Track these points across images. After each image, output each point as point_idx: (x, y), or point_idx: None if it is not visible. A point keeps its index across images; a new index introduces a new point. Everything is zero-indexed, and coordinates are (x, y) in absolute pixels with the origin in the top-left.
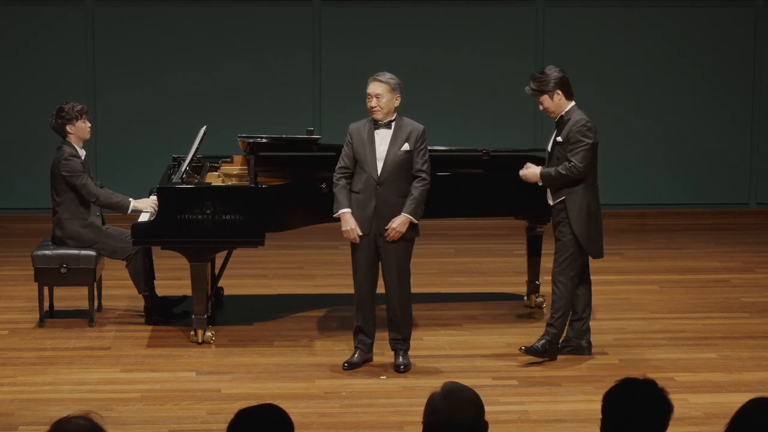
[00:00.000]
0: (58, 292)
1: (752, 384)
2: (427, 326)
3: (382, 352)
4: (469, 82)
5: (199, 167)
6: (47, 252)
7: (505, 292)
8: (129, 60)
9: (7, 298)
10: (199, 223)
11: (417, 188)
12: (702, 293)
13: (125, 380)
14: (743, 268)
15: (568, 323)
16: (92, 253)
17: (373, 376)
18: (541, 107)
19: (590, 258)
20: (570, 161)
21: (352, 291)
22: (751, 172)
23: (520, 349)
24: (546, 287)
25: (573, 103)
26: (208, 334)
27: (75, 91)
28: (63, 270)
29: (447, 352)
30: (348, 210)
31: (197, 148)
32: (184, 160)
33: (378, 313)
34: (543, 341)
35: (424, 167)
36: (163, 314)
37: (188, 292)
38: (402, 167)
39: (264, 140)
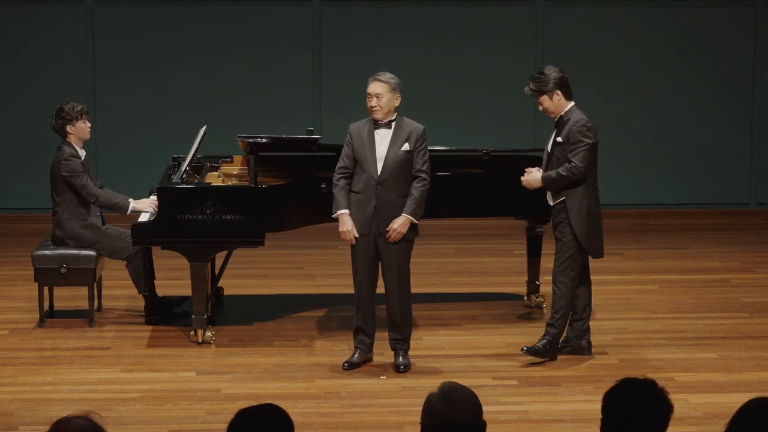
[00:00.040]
0: (58, 292)
1: (752, 384)
2: (427, 326)
3: (382, 352)
4: (469, 82)
5: (199, 167)
6: (47, 252)
7: (505, 292)
8: (129, 60)
9: (7, 298)
10: (199, 223)
11: (417, 189)
12: (702, 293)
13: (125, 380)
14: (743, 268)
15: (568, 323)
16: (92, 253)
17: (373, 376)
18: (540, 108)
19: (590, 258)
20: (571, 162)
21: (352, 291)
22: (751, 172)
23: (522, 349)
24: (546, 287)
25: (572, 103)
26: (208, 334)
27: (75, 91)
28: (63, 270)
29: (447, 352)
30: (346, 211)
31: (197, 148)
32: (184, 160)
33: (378, 313)
34: (544, 341)
35: (424, 167)
36: (163, 314)
37: (188, 292)
38: (402, 167)
39: (264, 140)
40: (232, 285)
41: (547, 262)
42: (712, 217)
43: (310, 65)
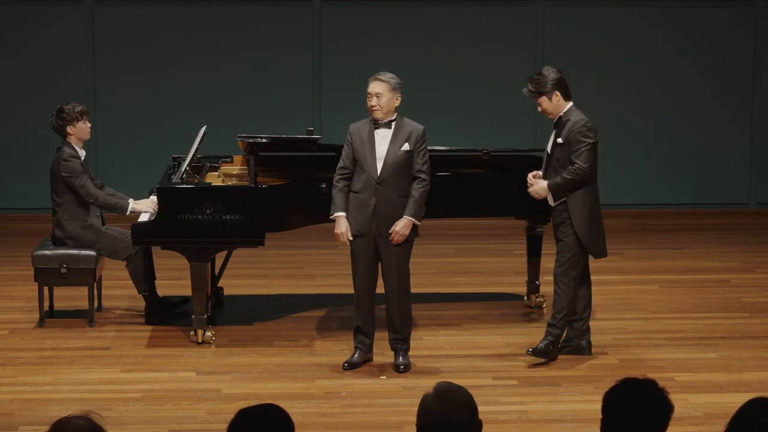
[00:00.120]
0: (58, 292)
1: (752, 384)
2: (427, 326)
3: (382, 352)
4: (469, 82)
5: (199, 167)
6: (47, 252)
7: (505, 292)
8: (129, 60)
9: (7, 298)
10: (199, 223)
11: (417, 190)
12: (702, 293)
13: (125, 380)
14: (743, 268)
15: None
16: (92, 253)
17: (373, 376)
18: (539, 109)
19: (592, 258)
20: (574, 163)
21: (352, 291)
22: (751, 172)
23: (527, 351)
24: (546, 287)
25: (571, 103)
26: (208, 334)
27: (75, 91)
28: (63, 270)
29: (447, 352)
30: (342, 214)
31: (197, 148)
32: (184, 160)
33: (378, 314)
34: (546, 342)
35: (424, 168)
36: (163, 314)
37: (188, 292)
38: (402, 167)
39: (264, 140)
40: (232, 285)
41: (547, 262)
42: (712, 217)
43: (310, 65)
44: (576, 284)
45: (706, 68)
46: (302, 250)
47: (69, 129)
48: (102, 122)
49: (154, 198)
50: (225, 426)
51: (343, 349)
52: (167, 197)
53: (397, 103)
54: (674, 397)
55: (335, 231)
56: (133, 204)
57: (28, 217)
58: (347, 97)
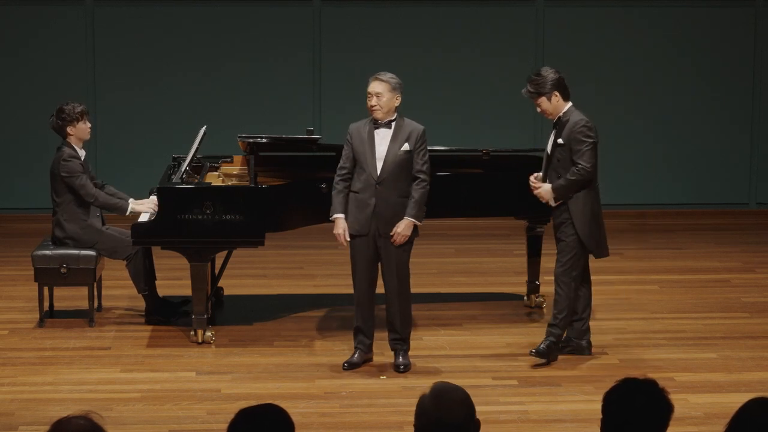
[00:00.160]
0: (58, 292)
1: (752, 384)
2: (427, 326)
3: (382, 352)
4: (469, 82)
5: (199, 167)
6: (47, 252)
7: (505, 292)
8: (129, 60)
9: (7, 298)
10: (199, 223)
11: (417, 190)
12: (702, 293)
13: (125, 380)
14: (743, 268)
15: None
16: (92, 253)
17: (373, 376)
18: (538, 109)
19: (593, 258)
20: (577, 164)
21: (352, 291)
22: (751, 172)
23: (530, 352)
24: (546, 287)
25: (570, 103)
26: (208, 334)
27: (75, 91)
28: (63, 270)
29: (447, 352)
30: (341, 216)
31: (197, 148)
32: (184, 160)
33: (378, 313)
34: (547, 342)
35: (424, 168)
36: (163, 314)
37: (188, 292)
38: (402, 167)
39: (264, 140)
40: (232, 285)
41: (546, 262)
42: (712, 217)
43: (310, 65)
44: (577, 284)
45: (706, 68)
46: (302, 250)
47: (69, 129)
48: (102, 122)
49: (154, 198)
50: (225, 426)
51: (343, 349)
52: (167, 197)
53: (397, 103)
54: (674, 397)
55: (334, 232)
56: (132, 205)
57: (28, 217)
58: (347, 97)
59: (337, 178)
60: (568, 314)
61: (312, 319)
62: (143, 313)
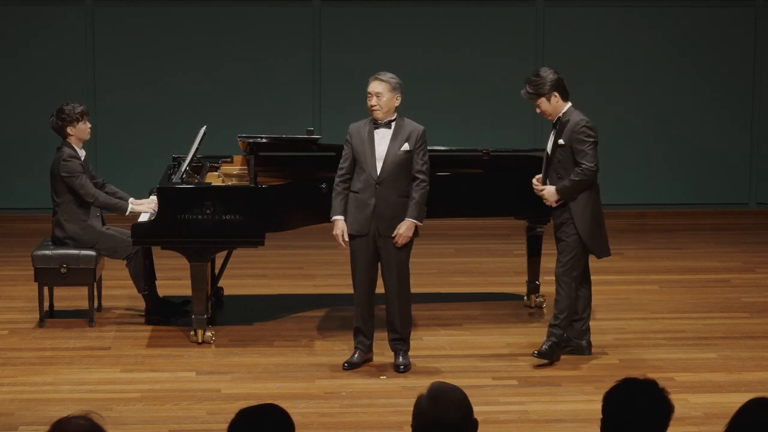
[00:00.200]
0: (58, 292)
1: (752, 384)
2: (427, 326)
3: (382, 352)
4: (469, 82)
5: (199, 167)
6: (47, 252)
7: (505, 292)
8: (129, 60)
9: (7, 298)
10: (199, 223)
11: (417, 191)
12: (702, 293)
13: (125, 380)
14: (743, 268)
15: None
16: (92, 253)
17: (373, 376)
18: (538, 110)
19: (595, 258)
20: (581, 164)
21: (352, 291)
22: (751, 172)
23: (533, 354)
24: (546, 287)
25: (570, 104)
26: (208, 334)
27: (75, 91)
28: (63, 270)
29: (447, 352)
30: (340, 217)
31: (197, 148)
32: (184, 160)
33: (378, 314)
34: (549, 343)
35: (424, 168)
36: (163, 314)
37: (188, 292)
38: (402, 167)
39: (264, 140)
40: (232, 285)
41: (546, 262)
42: (712, 217)
43: (310, 65)
44: (577, 284)
45: (706, 68)
46: (302, 250)
47: (69, 129)
48: (102, 122)
49: (154, 198)
50: (225, 426)
51: (343, 349)
52: (167, 197)
53: (397, 103)
54: (674, 397)
55: (333, 233)
56: (132, 205)
57: (28, 217)
58: (347, 97)
59: (337, 179)
60: (568, 314)
61: (312, 319)
62: (143, 313)
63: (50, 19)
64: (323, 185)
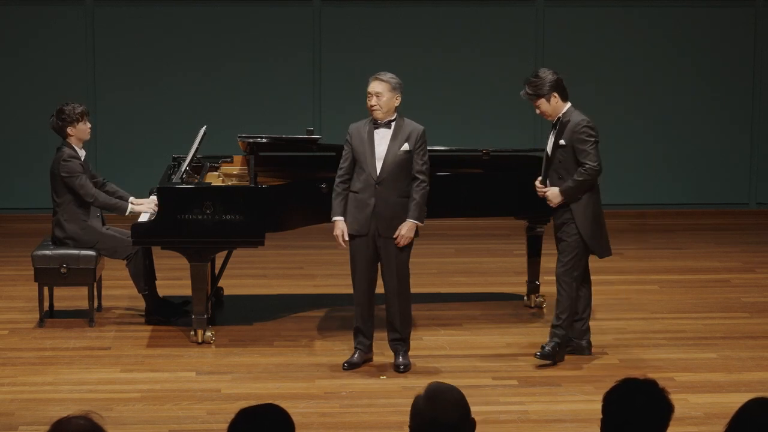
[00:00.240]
0: (58, 292)
1: (752, 384)
2: (427, 326)
3: (382, 352)
4: (469, 82)
5: (199, 167)
6: (47, 252)
7: (505, 292)
8: (129, 60)
9: (7, 298)
10: (199, 223)
11: (418, 192)
12: (702, 293)
13: (125, 380)
14: (743, 268)
15: None
16: (92, 253)
17: (373, 376)
18: (537, 111)
19: (597, 257)
20: (584, 164)
21: (352, 291)
22: (751, 172)
23: (536, 355)
24: (546, 287)
25: (569, 104)
26: (208, 334)
27: (75, 91)
28: (63, 270)
29: (447, 352)
30: (340, 218)
31: (197, 148)
32: (184, 160)
33: (378, 314)
34: (552, 344)
35: (424, 168)
36: (163, 314)
37: (188, 292)
38: (401, 167)
39: (264, 140)
40: (232, 285)
41: (546, 262)
42: (712, 217)
43: (310, 65)
44: (578, 284)
45: (706, 68)
46: (302, 250)
47: (69, 130)
48: (102, 122)
49: (153, 198)
50: (225, 426)
51: (343, 349)
52: (167, 197)
53: (396, 103)
54: (674, 397)
55: (333, 233)
56: (132, 205)
57: (28, 217)
58: (347, 97)
59: (337, 180)
60: (570, 314)
61: (312, 319)
62: (143, 313)
63: (50, 19)
64: (323, 185)
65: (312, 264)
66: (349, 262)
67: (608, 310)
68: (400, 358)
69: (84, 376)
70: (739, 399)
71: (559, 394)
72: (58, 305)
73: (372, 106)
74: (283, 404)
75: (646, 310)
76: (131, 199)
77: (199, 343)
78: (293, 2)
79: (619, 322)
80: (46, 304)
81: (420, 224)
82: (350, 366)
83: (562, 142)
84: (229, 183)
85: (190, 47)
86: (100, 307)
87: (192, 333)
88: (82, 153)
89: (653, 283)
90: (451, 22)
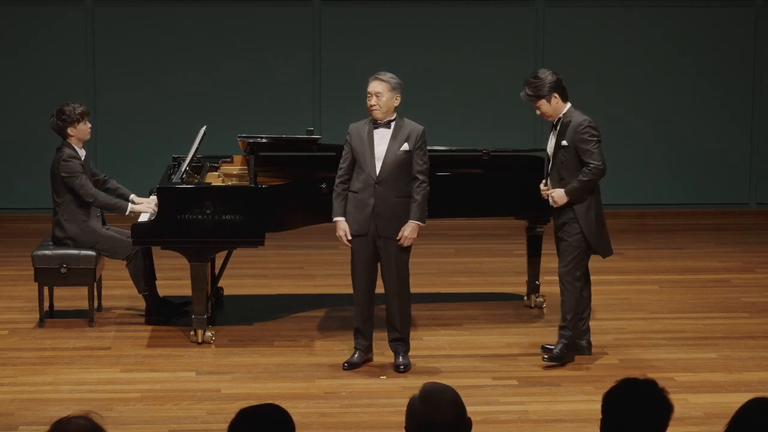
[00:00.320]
0: (58, 292)
1: (752, 384)
2: (427, 326)
3: (382, 353)
4: (469, 82)
5: (199, 167)
6: (47, 252)
7: (505, 292)
8: (129, 60)
9: (7, 298)
10: (199, 223)
11: (419, 192)
12: (702, 293)
13: (125, 380)
14: (743, 268)
15: None
16: (92, 253)
17: (373, 376)
18: (538, 112)
19: (601, 257)
20: (588, 164)
21: (351, 291)
22: (751, 172)
23: (544, 358)
24: (546, 287)
25: (569, 104)
26: (208, 334)
27: (75, 91)
28: (63, 270)
29: (447, 352)
30: (341, 218)
31: (197, 148)
32: (184, 160)
33: (378, 314)
34: (560, 345)
35: (424, 168)
36: (163, 314)
37: (188, 292)
38: (401, 167)
39: (264, 140)
40: (232, 285)
41: (546, 262)
42: (712, 217)
43: (310, 65)
44: (581, 284)
45: (706, 68)
46: (302, 250)
47: (70, 130)
48: (102, 122)
49: (154, 198)
50: (225, 426)
51: (343, 349)
52: (167, 197)
53: (396, 103)
54: (674, 397)
55: (336, 234)
56: (132, 205)
57: (28, 217)
58: (347, 97)
59: (337, 181)
60: (575, 314)
61: (312, 319)
62: (143, 313)
63: (50, 19)
64: (323, 185)
65: (312, 264)
66: (349, 262)
67: (608, 310)
68: (400, 358)
69: (84, 376)
70: (739, 399)
71: (559, 394)
72: (58, 305)
73: (371, 105)
74: (283, 404)
75: (646, 310)
76: (132, 197)
77: (199, 343)
78: (293, 2)
79: (619, 322)
80: (46, 304)
81: (422, 224)
82: (350, 366)
83: (564, 143)
84: (229, 183)
85: (190, 47)
86: (100, 307)
87: (192, 333)
88: (82, 153)
89: (653, 283)
90: (451, 22)
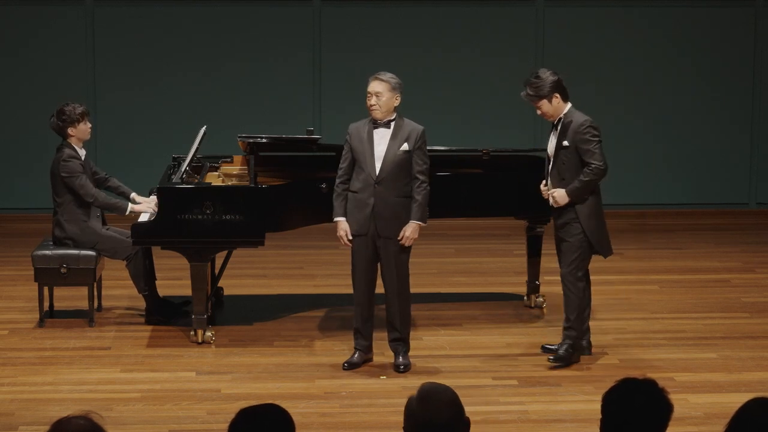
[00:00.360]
0: (58, 292)
1: (752, 384)
2: (427, 326)
3: (382, 353)
4: (469, 82)
5: (199, 167)
6: (47, 252)
7: (505, 292)
8: (129, 60)
9: (7, 298)
10: (199, 223)
11: (419, 192)
12: (702, 293)
13: (125, 380)
14: (743, 268)
15: None
16: (92, 253)
17: (373, 376)
18: (538, 112)
19: (602, 257)
20: (590, 164)
21: (351, 291)
22: (751, 172)
23: (549, 359)
24: (546, 287)
25: (570, 104)
26: (208, 334)
27: (75, 91)
28: (63, 270)
29: (447, 352)
30: (342, 219)
31: (197, 148)
32: (184, 160)
33: (377, 314)
34: (565, 346)
35: (424, 168)
36: (163, 314)
37: (188, 292)
38: (401, 167)
39: (264, 140)
40: (232, 285)
41: (547, 262)
42: (712, 217)
43: (310, 65)
44: (584, 283)
45: (706, 68)
46: (302, 250)
47: (70, 130)
48: (102, 122)
49: (154, 198)
50: (225, 426)
51: (343, 349)
52: (167, 197)
53: (396, 102)
54: (674, 397)
55: (337, 234)
56: (132, 205)
57: (28, 217)
58: (347, 97)
59: (337, 181)
60: (579, 314)
61: (312, 319)
62: (143, 313)
63: (50, 19)
64: (323, 185)
65: (312, 264)
66: (349, 262)
67: (608, 310)
68: (400, 358)
69: (84, 376)
70: (739, 399)
71: (559, 394)
72: (58, 305)
73: (371, 105)
74: (283, 404)
75: (646, 310)
76: (133, 195)
77: (199, 343)
78: (293, 2)
79: (619, 322)
80: (46, 304)
81: (423, 225)
82: (350, 366)
83: (565, 143)
84: (229, 183)
85: (190, 47)
86: (100, 307)
87: (192, 333)
88: (82, 153)
89: (653, 283)
90: (451, 22)
